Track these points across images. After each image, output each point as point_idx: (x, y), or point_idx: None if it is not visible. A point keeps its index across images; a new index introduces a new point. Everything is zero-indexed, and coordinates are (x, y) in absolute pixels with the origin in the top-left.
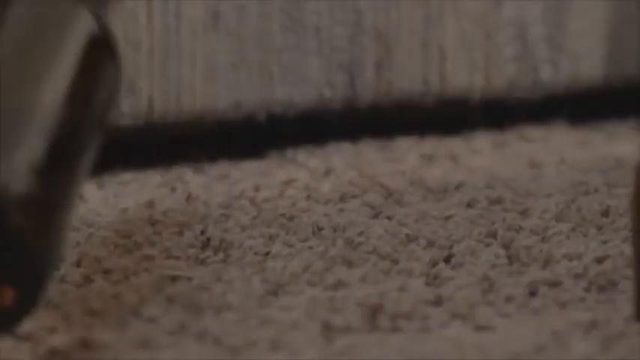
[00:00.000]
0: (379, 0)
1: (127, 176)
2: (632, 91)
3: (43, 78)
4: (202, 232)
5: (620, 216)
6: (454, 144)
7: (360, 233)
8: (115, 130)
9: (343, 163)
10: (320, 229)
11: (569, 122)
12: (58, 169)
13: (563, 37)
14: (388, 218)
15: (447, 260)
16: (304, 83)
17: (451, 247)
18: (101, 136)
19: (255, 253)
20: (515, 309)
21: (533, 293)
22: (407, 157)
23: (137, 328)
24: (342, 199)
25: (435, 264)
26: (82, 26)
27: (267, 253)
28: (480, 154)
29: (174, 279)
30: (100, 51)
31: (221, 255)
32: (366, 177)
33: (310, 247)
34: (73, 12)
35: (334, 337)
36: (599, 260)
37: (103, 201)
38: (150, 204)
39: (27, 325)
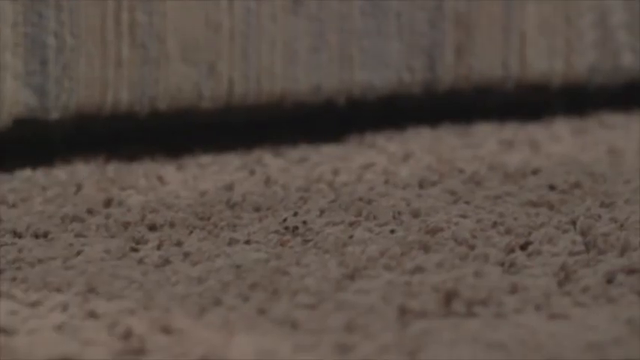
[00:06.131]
0: None
1: (207, 159)
2: None
3: None
4: (281, 216)
5: None
6: (533, 130)
7: (438, 218)
8: (195, 113)
9: (422, 147)
10: (398, 213)
11: None
12: None
13: None
14: (466, 203)
15: (524, 247)
16: (384, 67)
17: (529, 234)
18: None
19: (333, 237)
20: (592, 298)
21: (610, 281)
22: (486, 142)
23: (216, 312)
24: (421, 184)
25: (511, 251)
26: None
27: (345, 237)
28: (559, 141)
29: (253, 262)
30: None
31: (299, 239)
32: (445, 162)
33: (388, 232)
34: None
35: (409, 321)
36: None
37: (182, 183)
38: (229, 187)
39: (106, 306)
